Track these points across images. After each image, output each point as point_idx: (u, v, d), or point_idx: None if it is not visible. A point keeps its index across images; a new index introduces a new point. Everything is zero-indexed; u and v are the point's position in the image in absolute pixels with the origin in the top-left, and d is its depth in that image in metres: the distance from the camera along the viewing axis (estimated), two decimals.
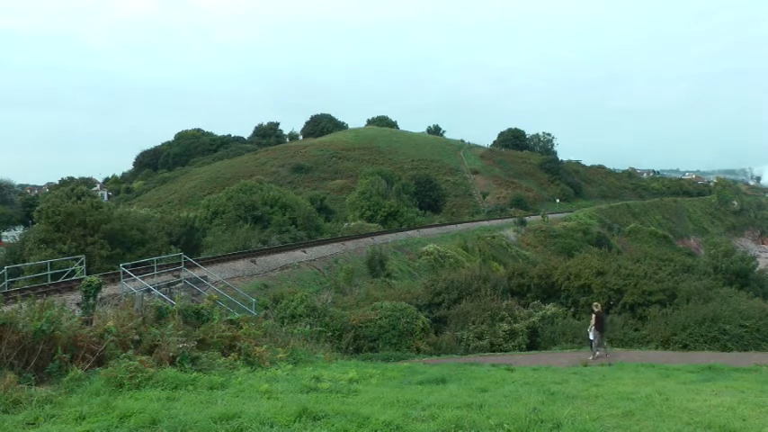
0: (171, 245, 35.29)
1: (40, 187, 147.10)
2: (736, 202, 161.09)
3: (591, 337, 16.58)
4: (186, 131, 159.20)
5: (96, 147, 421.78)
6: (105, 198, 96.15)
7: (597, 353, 16.40)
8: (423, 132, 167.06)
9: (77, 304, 14.23)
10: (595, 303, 17.51)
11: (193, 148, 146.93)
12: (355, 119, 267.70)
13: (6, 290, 19.66)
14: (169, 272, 24.80)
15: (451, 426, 6.22)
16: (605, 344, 17.12)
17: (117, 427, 6.05)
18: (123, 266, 20.92)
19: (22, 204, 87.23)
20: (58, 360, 8.30)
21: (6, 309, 8.79)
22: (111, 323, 9.44)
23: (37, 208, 35.22)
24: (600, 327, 16.62)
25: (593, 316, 16.73)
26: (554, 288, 26.06)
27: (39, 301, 9.12)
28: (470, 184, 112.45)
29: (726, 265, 35.63)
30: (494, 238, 61.73)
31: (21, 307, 8.83)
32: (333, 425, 6.15)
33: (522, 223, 75.83)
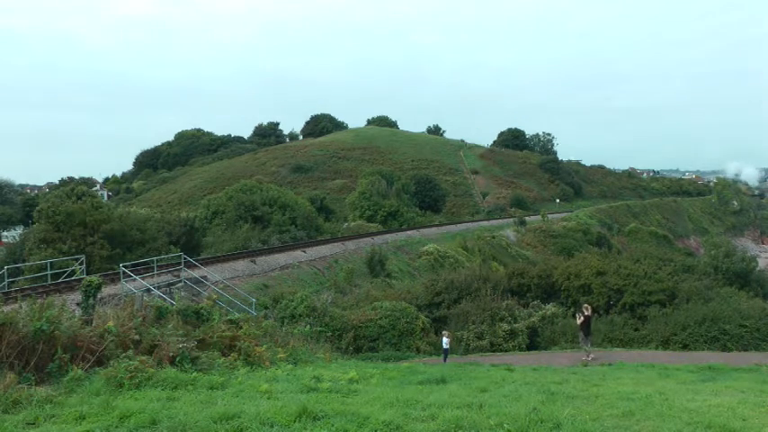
0: (171, 245, 35.24)
1: (40, 187, 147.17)
2: (735, 202, 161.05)
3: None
4: (186, 131, 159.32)
5: (96, 147, 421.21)
6: (105, 198, 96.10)
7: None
8: (423, 132, 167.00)
9: (77, 304, 14.21)
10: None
11: (193, 148, 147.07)
12: (355, 119, 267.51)
13: (6, 290, 19.65)
14: (169, 272, 24.79)
15: (451, 426, 6.21)
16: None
17: (117, 427, 6.05)
18: (123, 266, 20.90)
19: (22, 204, 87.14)
20: (58, 360, 8.29)
21: (6, 309, 8.79)
22: (111, 323, 9.43)
23: (37, 208, 35.12)
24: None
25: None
26: (554, 288, 26.07)
27: (39, 301, 9.11)
28: (470, 184, 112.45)
29: (726, 266, 35.57)
30: (494, 238, 61.69)
31: (21, 307, 8.83)
32: (333, 425, 6.15)
33: (522, 223, 75.81)
